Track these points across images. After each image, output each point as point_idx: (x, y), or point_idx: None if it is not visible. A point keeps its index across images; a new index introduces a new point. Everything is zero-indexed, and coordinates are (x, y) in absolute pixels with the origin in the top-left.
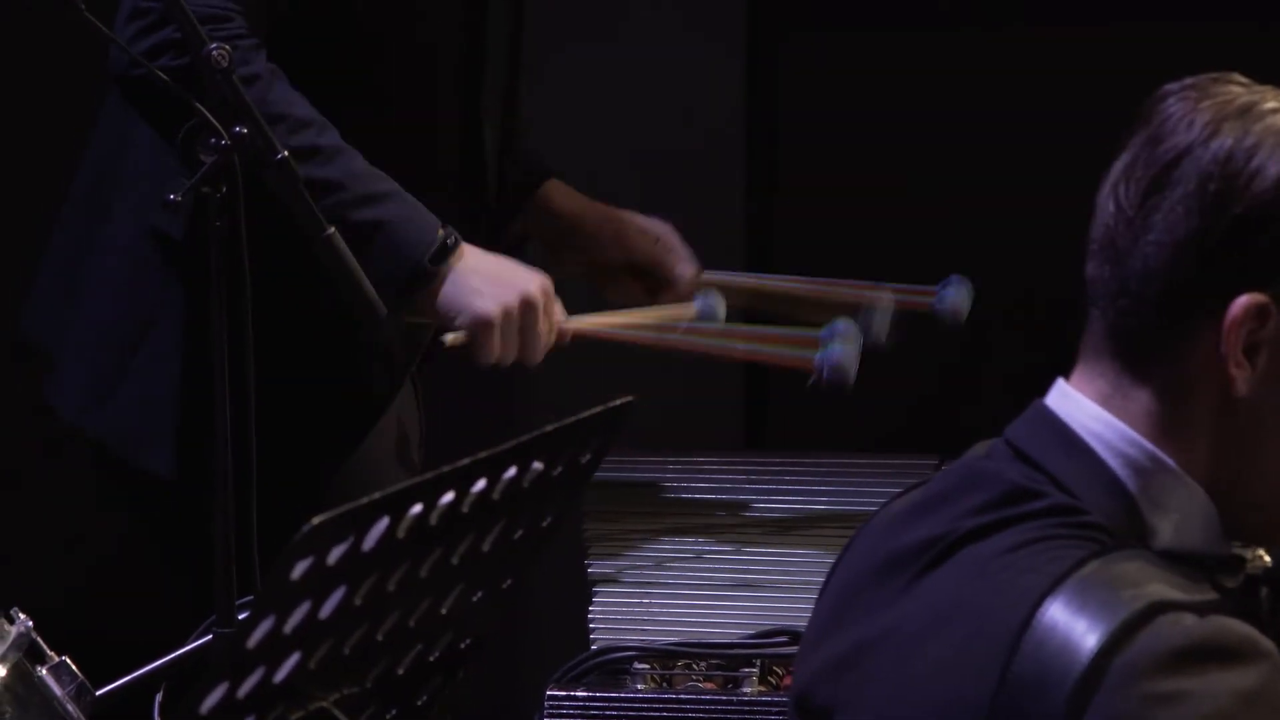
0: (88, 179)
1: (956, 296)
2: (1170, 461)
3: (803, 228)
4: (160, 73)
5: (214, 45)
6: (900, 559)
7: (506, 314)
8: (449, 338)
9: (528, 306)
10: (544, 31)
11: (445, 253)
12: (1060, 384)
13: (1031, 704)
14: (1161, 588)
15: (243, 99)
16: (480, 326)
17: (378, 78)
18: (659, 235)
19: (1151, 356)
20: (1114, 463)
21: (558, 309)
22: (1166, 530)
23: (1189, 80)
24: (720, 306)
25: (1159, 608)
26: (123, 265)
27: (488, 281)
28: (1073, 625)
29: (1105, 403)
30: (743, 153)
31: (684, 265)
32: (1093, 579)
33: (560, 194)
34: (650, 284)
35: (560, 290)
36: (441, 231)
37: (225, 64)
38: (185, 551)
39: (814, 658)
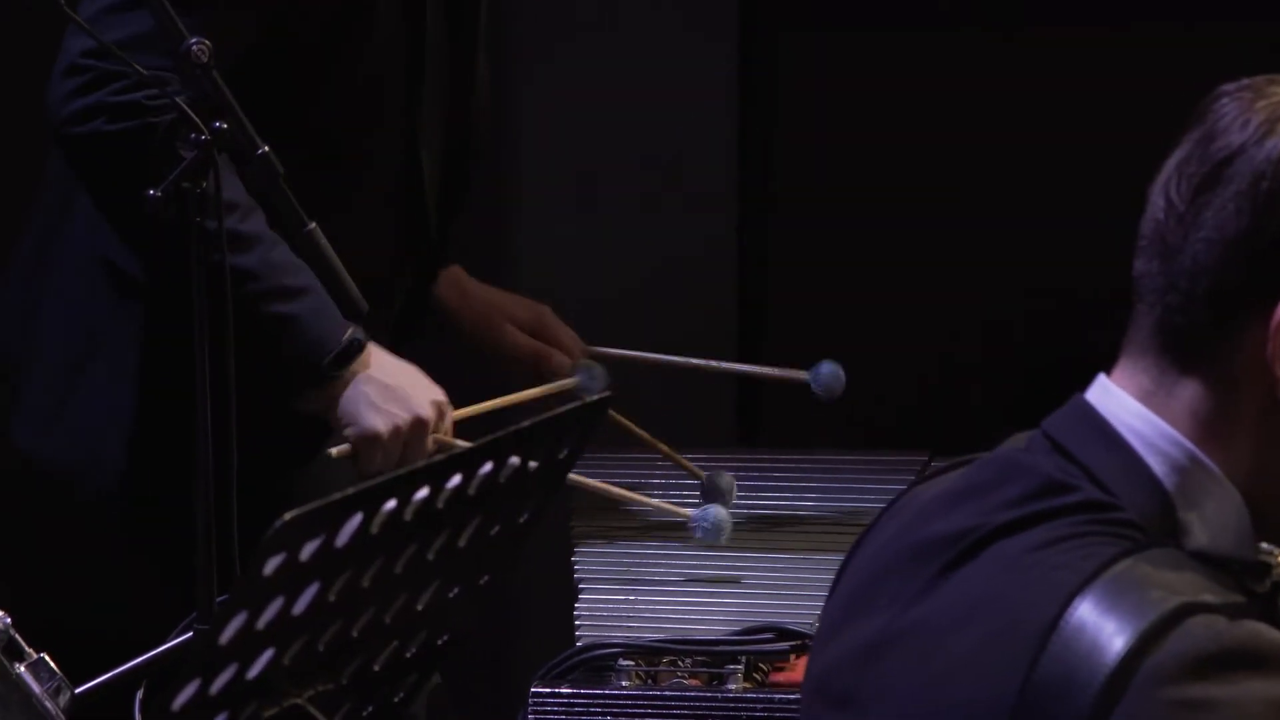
0: (51, 195)
1: (830, 378)
2: (1209, 461)
3: (797, 229)
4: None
5: (194, 40)
6: (930, 549)
7: (395, 432)
8: (334, 450)
9: (418, 426)
10: (539, 30)
11: (347, 357)
12: (1101, 379)
13: (1057, 705)
14: (1193, 589)
15: (223, 94)
16: (367, 442)
17: (322, 107)
18: (536, 326)
19: (1197, 355)
20: (1152, 460)
21: (449, 420)
22: (1200, 530)
23: (1245, 80)
24: (600, 378)
25: (1189, 609)
26: (73, 290)
27: (383, 395)
28: (1101, 625)
29: (1146, 399)
30: (736, 153)
31: (558, 359)
32: (1123, 578)
33: (445, 286)
34: (534, 369)
35: None
36: (349, 334)
37: (205, 59)
38: (148, 561)
39: (835, 643)
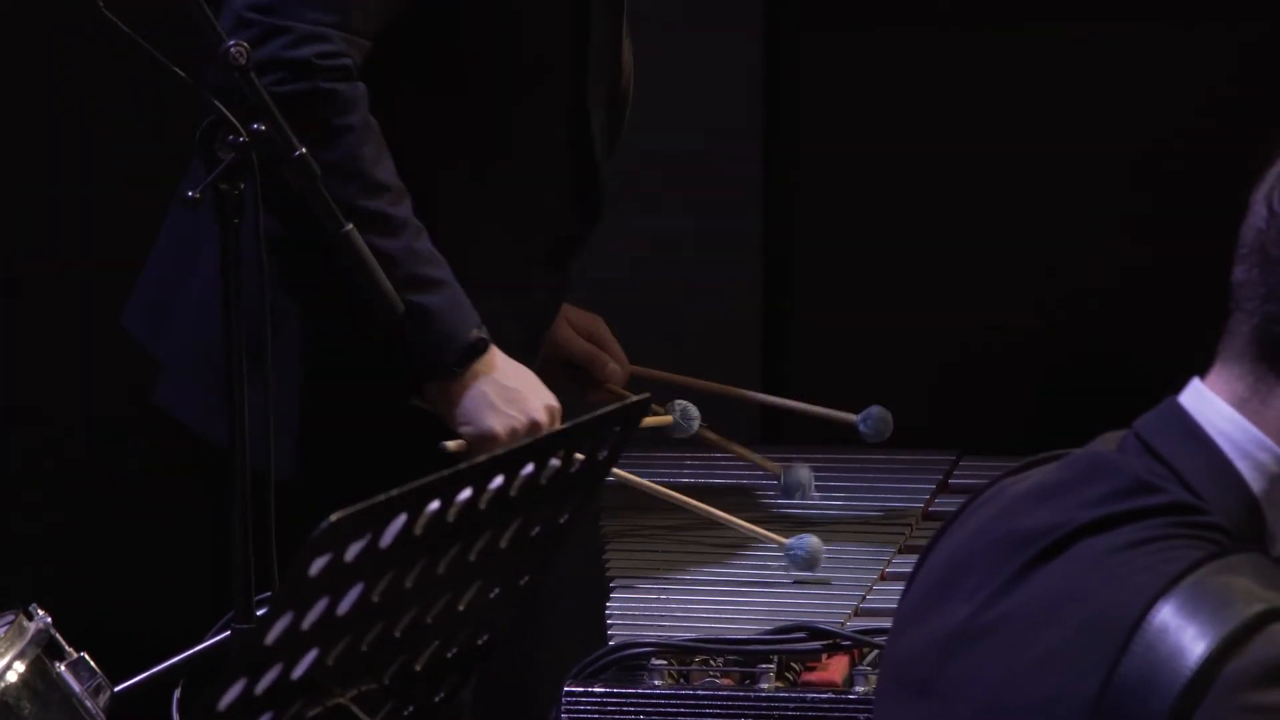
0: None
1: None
2: None
3: (822, 227)
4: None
5: (231, 42)
6: (1015, 543)
7: (511, 435)
8: (451, 445)
9: (533, 429)
10: None
11: (471, 356)
12: (1196, 383)
13: (1137, 706)
14: (1277, 595)
15: (261, 96)
16: (484, 443)
17: (481, 90)
18: (591, 332)
19: None
20: (1242, 465)
21: (558, 425)
22: None
23: None
24: (694, 417)
25: (1272, 615)
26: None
27: (503, 397)
28: (1184, 630)
29: (1240, 406)
30: (760, 150)
31: (612, 366)
32: (1207, 582)
33: None
34: (582, 378)
35: None
36: (475, 333)
37: (243, 61)
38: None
39: (914, 631)
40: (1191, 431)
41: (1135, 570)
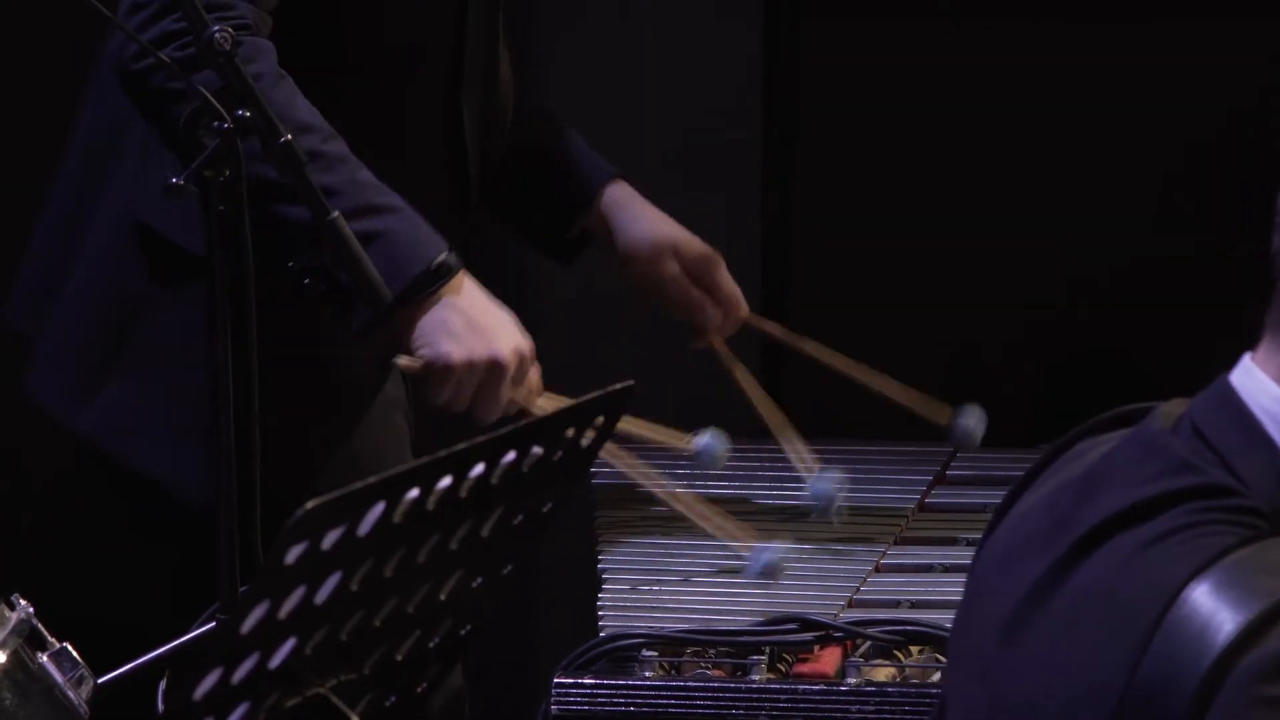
0: (73, 167)
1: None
2: None
3: (821, 217)
4: (167, 60)
5: (215, 29)
6: (1066, 529)
7: (469, 366)
8: (403, 360)
9: (493, 366)
10: (563, 16)
11: (437, 277)
12: (1246, 360)
13: (1162, 693)
14: None
15: (246, 82)
16: (437, 368)
17: (361, 69)
18: (700, 275)
19: None
20: None
21: (533, 375)
22: None
23: None
24: (721, 448)
25: None
26: (104, 257)
27: (467, 326)
28: (1213, 612)
29: None
30: (759, 140)
31: (715, 316)
32: (1238, 566)
33: (614, 212)
34: (683, 316)
35: None
36: (442, 255)
37: (228, 47)
38: (178, 545)
39: (982, 609)
40: (1236, 410)
41: (1166, 561)
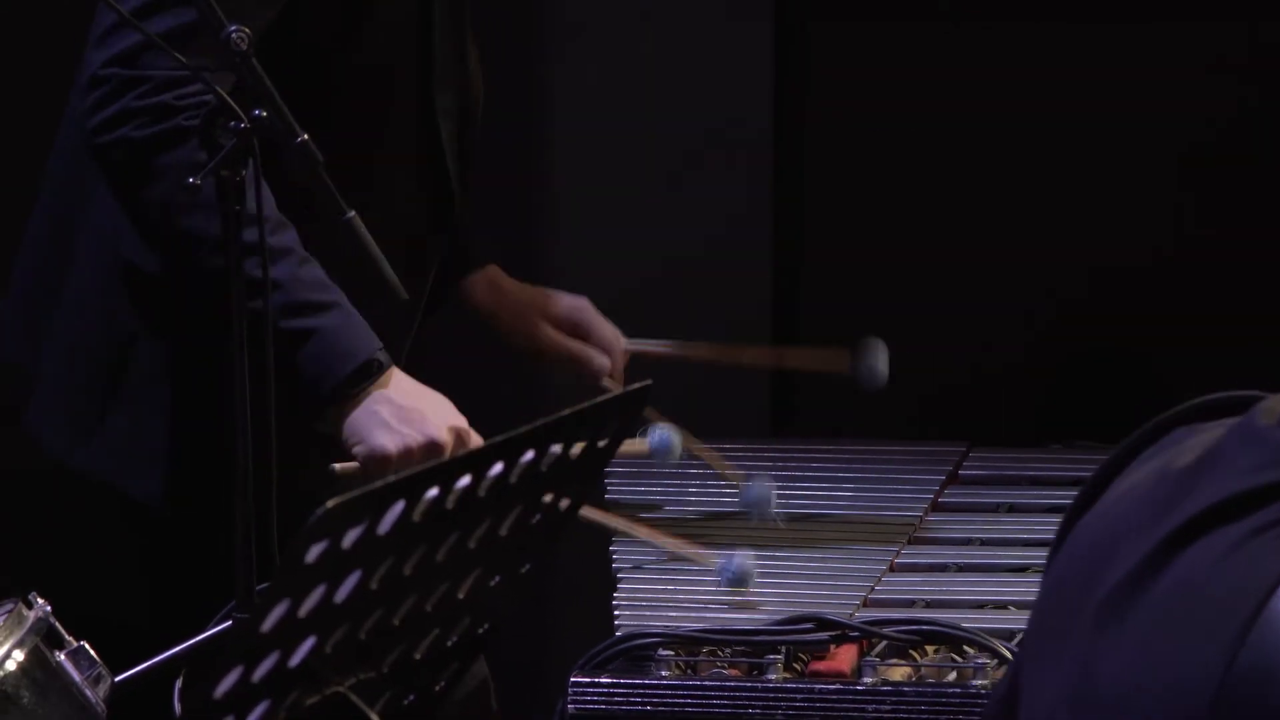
0: (52, 197)
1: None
2: None
3: (832, 216)
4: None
5: (233, 27)
6: (1166, 518)
7: (405, 454)
8: (338, 467)
9: (431, 449)
10: (573, 15)
11: (364, 375)
12: None
13: (1263, 677)
14: None
15: (262, 82)
16: (374, 462)
17: (335, 98)
18: (575, 323)
19: None
20: None
21: (471, 445)
22: None
23: None
24: (676, 442)
25: None
26: (93, 292)
27: (398, 416)
28: None
29: None
30: (770, 139)
31: (599, 361)
32: None
33: (483, 287)
34: (574, 369)
35: None
36: (369, 354)
37: (245, 46)
38: (178, 572)
39: (1074, 591)
40: None
41: (1265, 555)
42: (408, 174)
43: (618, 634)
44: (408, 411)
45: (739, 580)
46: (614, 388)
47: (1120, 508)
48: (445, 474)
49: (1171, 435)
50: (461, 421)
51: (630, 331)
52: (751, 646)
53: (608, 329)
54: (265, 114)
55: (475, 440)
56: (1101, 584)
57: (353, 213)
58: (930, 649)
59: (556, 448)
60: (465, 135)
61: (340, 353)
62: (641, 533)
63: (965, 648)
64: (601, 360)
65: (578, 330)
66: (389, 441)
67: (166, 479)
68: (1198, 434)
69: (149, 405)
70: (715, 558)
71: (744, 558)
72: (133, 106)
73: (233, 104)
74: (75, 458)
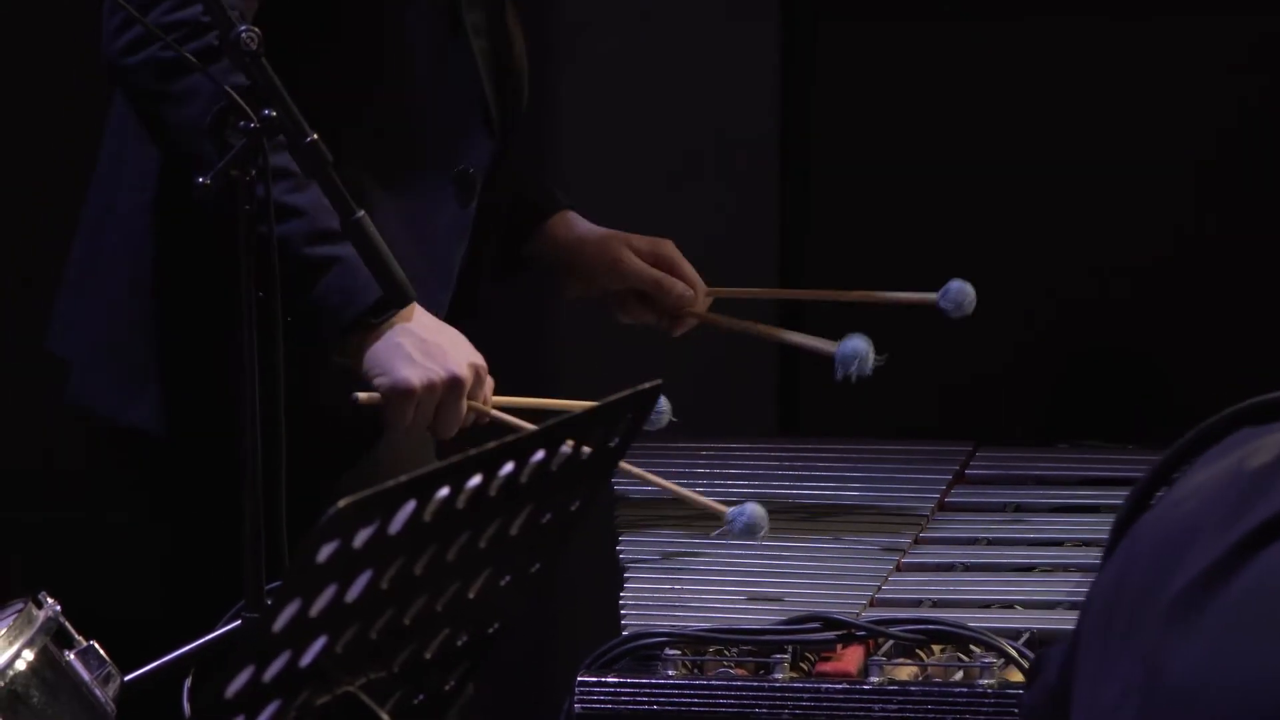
0: (107, 150)
1: (959, 296)
2: None
3: (837, 214)
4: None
5: (243, 28)
6: (1240, 520)
7: (428, 388)
8: (361, 396)
9: (452, 385)
10: (582, 15)
11: (388, 305)
12: None
13: None
14: None
15: (273, 81)
16: (398, 394)
17: (355, 10)
18: (657, 256)
19: None
20: None
21: (488, 389)
22: None
23: None
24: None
25: None
26: (126, 243)
27: (420, 350)
28: None
29: None
30: (777, 139)
31: (683, 288)
32: None
33: (563, 225)
34: (657, 309)
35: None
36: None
37: (254, 46)
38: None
39: (1140, 590)
40: None
41: None
42: (445, 99)
43: (624, 633)
44: (430, 345)
45: (750, 530)
46: (710, 319)
47: (1186, 508)
48: (456, 473)
49: (1237, 435)
50: (480, 359)
51: (631, 331)
52: (758, 646)
53: (689, 267)
54: (275, 113)
55: (489, 382)
56: (1171, 583)
57: (362, 212)
58: (937, 649)
59: (567, 447)
60: (505, 74)
61: (364, 281)
62: (650, 480)
63: (972, 647)
64: (684, 290)
65: (660, 263)
66: (413, 375)
67: (218, 433)
68: (1267, 434)
69: (191, 359)
70: (725, 507)
71: (755, 507)
72: (162, 22)
73: (243, 104)
74: (128, 414)
